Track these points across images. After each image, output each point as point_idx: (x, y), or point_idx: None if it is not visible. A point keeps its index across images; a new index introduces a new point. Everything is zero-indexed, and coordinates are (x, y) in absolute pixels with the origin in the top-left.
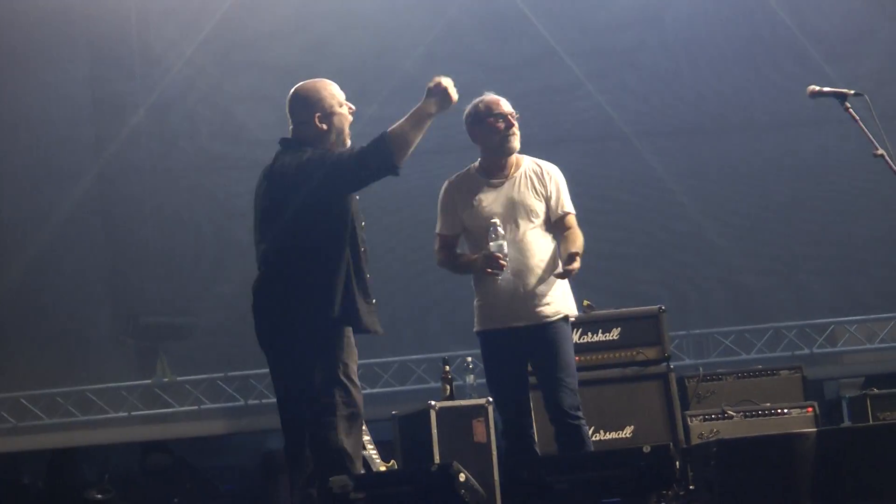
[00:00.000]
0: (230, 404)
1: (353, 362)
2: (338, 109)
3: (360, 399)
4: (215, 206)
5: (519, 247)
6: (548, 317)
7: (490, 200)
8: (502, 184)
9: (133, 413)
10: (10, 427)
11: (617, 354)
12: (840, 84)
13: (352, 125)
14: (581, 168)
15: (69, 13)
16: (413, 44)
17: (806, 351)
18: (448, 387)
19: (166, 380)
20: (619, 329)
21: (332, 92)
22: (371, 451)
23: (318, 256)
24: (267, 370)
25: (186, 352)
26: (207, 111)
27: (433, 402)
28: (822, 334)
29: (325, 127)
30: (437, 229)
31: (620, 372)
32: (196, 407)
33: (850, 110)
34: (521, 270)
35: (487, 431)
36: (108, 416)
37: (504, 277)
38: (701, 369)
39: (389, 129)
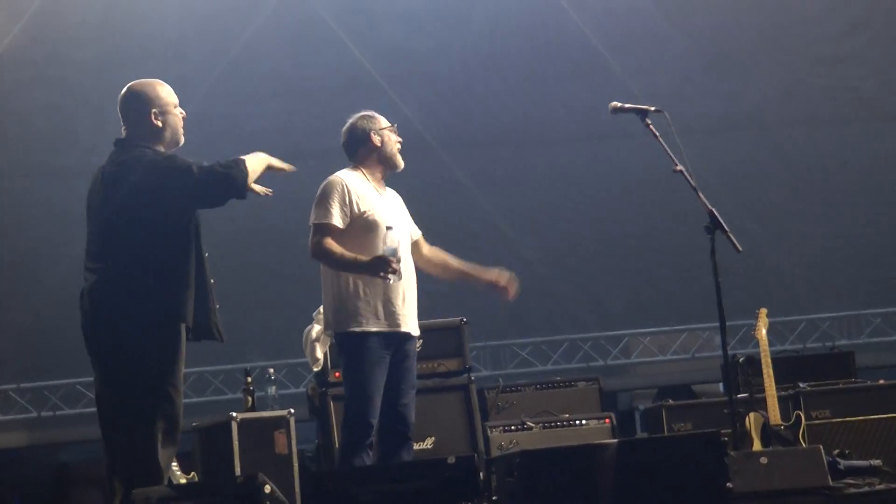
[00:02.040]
0: (23, 416)
1: (182, 369)
2: (172, 110)
3: (180, 410)
4: (20, 213)
5: (405, 257)
6: (416, 329)
7: (383, 206)
8: (384, 195)
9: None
10: None
11: (419, 366)
12: (642, 99)
13: None
14: None
15: None
16: (214, 56)
17: (600, 362)
18: (250, 398)
19: None
20: (420, 341)
21: (169, 91)
22: (172, 464)
23: (161, 258)
24: (61, 381)
25: None
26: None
27: (234, 414)
28: (617, 346)
29: (159, 124)
30: (326, 219)
31: (422, 383)
32: None
33: (651, 126)
34: (408, 280)
35: (289, 443)
36: None
37: (393, 281)
38: (500, 381)
39: (244, 157)
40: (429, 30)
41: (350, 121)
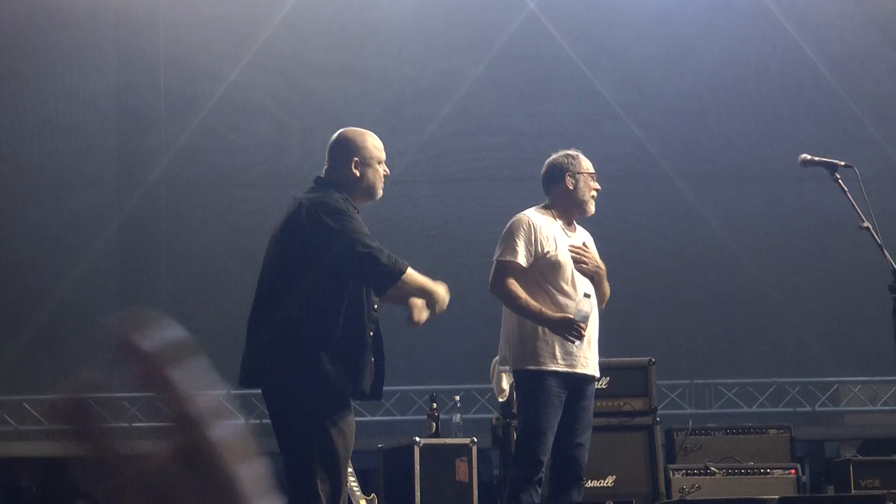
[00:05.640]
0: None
1: (343, 408)
2: (375, 165)
3: (340, 444)
4: (226, 221)
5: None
6: (596, 370)
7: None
8: (573, 236)
9: (134, 424)
10: (12, 430)
11: (604, 404)
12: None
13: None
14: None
15: (99, 19)
16: (451, 83)
17: (808, 408)
18: (434, 424)
19: None
20: (607, 378)
21: (376, 145)
22: (352, 484)
23: (319, 300)
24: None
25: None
26: (226, 127)
27: (417, 439)
28: (826, 392)
29: (358, 174)
30: (510, 257)
31: (606, 421)
32: None
33: (840, 181)
34: (590, 322)
35: (470, 471)
36: (109, 425)
37: (577, 345)
38: (690, 422)
39: (409, 271)
40: (663, 60)
41: (553, 156)
